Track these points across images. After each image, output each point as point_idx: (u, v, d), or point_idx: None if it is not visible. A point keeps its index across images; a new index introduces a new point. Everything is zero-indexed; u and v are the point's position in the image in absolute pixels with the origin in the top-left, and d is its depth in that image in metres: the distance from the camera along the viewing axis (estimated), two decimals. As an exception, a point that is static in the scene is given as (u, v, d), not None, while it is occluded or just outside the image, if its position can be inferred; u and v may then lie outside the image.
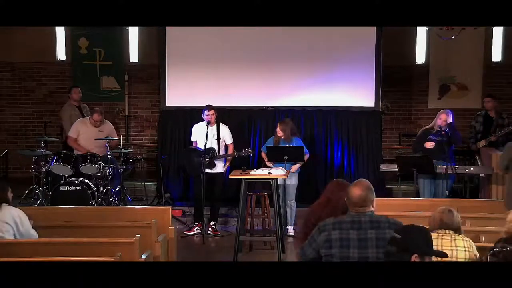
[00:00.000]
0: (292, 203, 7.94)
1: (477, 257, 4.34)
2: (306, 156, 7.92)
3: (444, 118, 7.70)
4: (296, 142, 7.92)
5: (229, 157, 8.11)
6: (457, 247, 4.27)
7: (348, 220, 3.69)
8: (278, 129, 7.95)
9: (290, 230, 7.97)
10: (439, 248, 4.17)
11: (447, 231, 4.33)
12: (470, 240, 4.36)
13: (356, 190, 3.73)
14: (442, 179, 7.43)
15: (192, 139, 8.24)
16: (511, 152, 6.13)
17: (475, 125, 8.95)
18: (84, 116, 9.09)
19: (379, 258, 3.60)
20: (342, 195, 3.99)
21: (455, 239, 4.30)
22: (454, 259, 4.22)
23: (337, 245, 3.62)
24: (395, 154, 9.63)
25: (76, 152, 8.45)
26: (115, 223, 5.76)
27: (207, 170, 7.83)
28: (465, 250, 4.26)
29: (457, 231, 4.35)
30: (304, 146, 7.91)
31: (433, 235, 4.24)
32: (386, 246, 3.39)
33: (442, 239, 4.31)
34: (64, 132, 9.43)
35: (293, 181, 7.89)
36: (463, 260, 4.23)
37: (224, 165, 8.13)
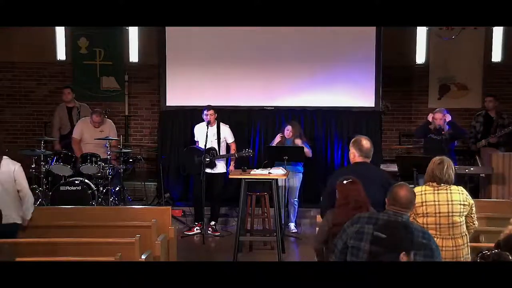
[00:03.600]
0: (294, 201, 7.99)
1: (473, 208, 4.57)
2: (309, 152, 8.04)
3: (439, 117, 7.76)
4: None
5: (233, 157, 8.12)
6: (452, 201, 4.49)
7: (384, 218, 3.70)
8: (287, 131, 7.99)
9: (292, 227, 8.01)
10: (437, 204, 4.46)
11: (442, 185, 4.52)
12: (466, 193, 4.57)
13: (404, 191, 3.77)
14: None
15: (195, 139, 8.27)
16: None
17: (475, 125, 8.95)
18: (73, 118, 9.10)
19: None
20: (357, 188, 4.23)
21: (451, 193, 4.51)
22: (450, 213, 4.46)
23: (368, 239, 3.61)
24: (395, 154, 9.62)
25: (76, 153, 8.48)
26: (115, 223, 5.77)
27: (208, 170, 7.84)
28: (460, 204, 4.50)
29: (450, 183, 4.53)
30: (307, 146, 8.06)
31: (429, 189, 4.47)
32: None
33: (438, 193, 4.51)
34: (51, 130, 9.44)
35: (296, 181, 7.94)
36: (458, 212, 4.48)
37: (229, 166, 8.15)
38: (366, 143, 4.92)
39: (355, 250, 3.66)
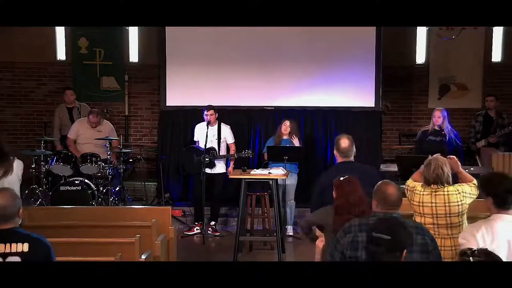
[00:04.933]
0: (291, 203, 7.96)
1: (471, 194, 4.48)
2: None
3: (438, 115, 7.81)
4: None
5: (232, 158, 8.11)
6: (450, 203, 4.44)
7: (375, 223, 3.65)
8: (285, 126, 7.98)
9: (289, 230, 7.98)
10: (434, 206, 4.43)
11: (440, 186, 4.46)
12: (463, 190, 4.47)
13: (391, 189, 3.68)
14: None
15: (195, 139, 8.27)
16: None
17: (475, 125, 8.96)
18: (74, 118, 9.11)
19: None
20: (357, 189, 4.26)
21: (448, 194, 4.45)
22: (448, 214, 4.42)
23: (363, 247, 3.55)
24: (395, 154, 9.62)
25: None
26: (115, 223, 5.76)
27: (207, 170, 7.84)
28: (458, 204, 4.44)
29: (444, 182, 4.45)
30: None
31: (427, 190, 4.44)
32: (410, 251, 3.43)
33: (436, 195, 4.46)
34: (52, 131, 9.47)
35: (292, 181, 7.91)
36: (456, 213, 4.43)
37: (228, 166, 8.14)
38: (343, 142, 4.99)
39: (353, 260, 3.64)
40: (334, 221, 4.31)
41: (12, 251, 3.53)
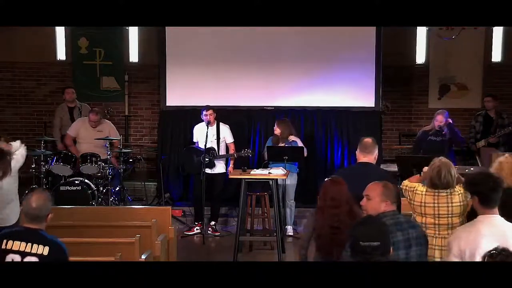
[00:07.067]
0: (291, 203, 7.95)
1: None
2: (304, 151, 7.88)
3: (440, 119, 7.83)
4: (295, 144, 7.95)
5: (232, 157, 8.11)
6: (452, 203, 4.44)
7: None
8: (275, 127, 7.98)
9: (289, 230, 7.98)
10: (436, 206, 4.44)
11: (448, 190, 4.46)
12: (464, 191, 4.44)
13: (390, 185, 3.84)
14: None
15: (194, 140, 8.26)
16: None
17: (475, 125, 8.96)
18: (75, 118, 9.11)
19: (407, 259, 3.69)
20: (343, 189, 4.30)
21: (451, 195, 4.45)
22: (450, 215, 4.43)
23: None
24: (395, 154, 9.62)
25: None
26: (115, 223, 5.77)
27: (207, 170, 7.84)
28: (460, 205, 4.45)
29: (451, 186, 4.44)
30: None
31: (430, 191, 4.46)
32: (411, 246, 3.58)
33: (438, 196, 4.46)
34: (52, 131, 9.46)
35: (292, 181, 7.90)
36: (458, 213, 4.44)
37: (228, 167, 8.13)
38: (366, 138, 5.13)
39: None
40: (315, 220, 4.36)
41: (32, 251, 3.56)
